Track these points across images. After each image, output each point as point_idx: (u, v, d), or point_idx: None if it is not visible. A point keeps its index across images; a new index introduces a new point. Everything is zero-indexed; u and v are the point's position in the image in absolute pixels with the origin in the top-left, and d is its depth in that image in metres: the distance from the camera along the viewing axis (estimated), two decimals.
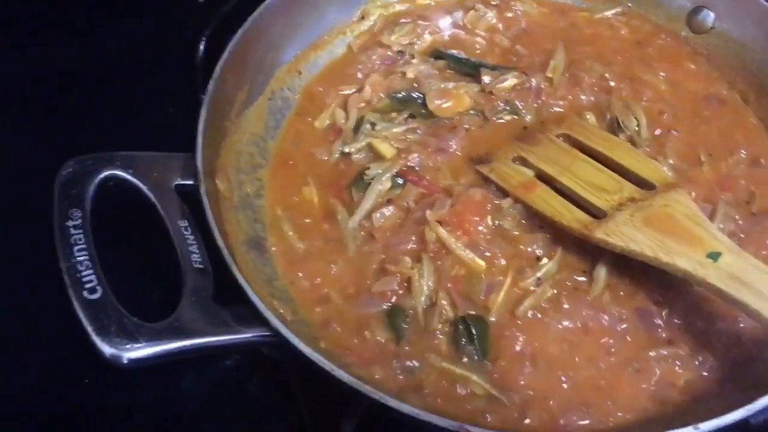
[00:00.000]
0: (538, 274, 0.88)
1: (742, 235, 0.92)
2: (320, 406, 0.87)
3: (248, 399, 0.91)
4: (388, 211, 0.93)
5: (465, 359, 0.83)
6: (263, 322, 0.76)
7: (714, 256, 0.81)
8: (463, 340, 0.83)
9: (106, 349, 0.71)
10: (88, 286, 0.74)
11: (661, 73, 1.10)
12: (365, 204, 0.94)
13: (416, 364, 0.83)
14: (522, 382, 0.82)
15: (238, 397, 0.91)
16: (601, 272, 0.88)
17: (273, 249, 0.93)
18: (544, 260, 0.90)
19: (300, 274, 0.91)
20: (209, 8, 1.25)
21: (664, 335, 0.85)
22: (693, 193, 0.93)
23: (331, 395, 0.83)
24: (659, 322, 0.86)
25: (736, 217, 0.94)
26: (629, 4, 1.18)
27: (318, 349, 0.81)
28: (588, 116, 1.04)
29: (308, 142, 1.04)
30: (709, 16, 1.12)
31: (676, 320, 0.86)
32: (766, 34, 1.06)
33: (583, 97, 1.06)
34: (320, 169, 1.01)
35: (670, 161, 0.98)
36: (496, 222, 0.92)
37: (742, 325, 0.84)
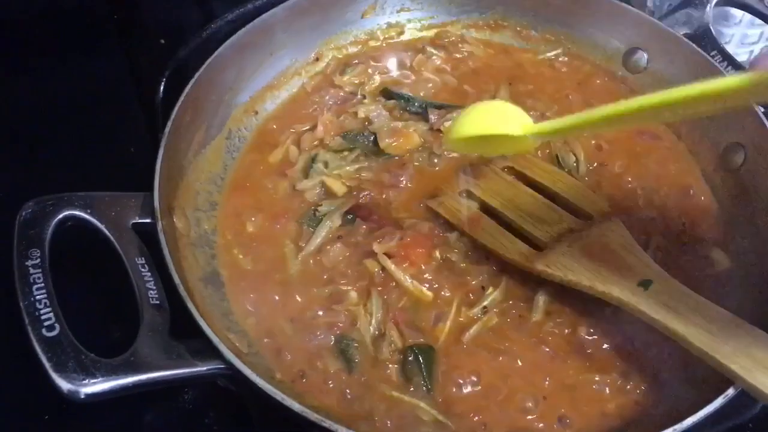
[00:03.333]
0: (484, 303, 0.92)
1: (673, 265, 0.96)
2: None
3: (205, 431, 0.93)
4: (337, 247, 0.96)
5: (413, 387, 0.86)
6: (218, 355, 0.79)
7: (645, 284, 0.85)
8: (411, 368, 0.87)
9: (64, 385, 0.73)
10: (46, 323, 0.76)
11: None
12: (315, 240, 0.97)
13: (367, 393, 0.86)
14: (468, 409, 0.85)
15: (195, 430, 0.93)
16: (540, 300, 0.92)
17: (223, 273, 0.96)
18: (490, 289, 0.94)
19: (248, 304, 0.93)
20: (170, 49, 1.28)
21: (598, 362, 0.89)
22: (627, 225, 0.97)
23: (289, 426, 0.86)
24: (595, 349, 0.90)
25: (668, 247, 0.99)
26: (569, 46, 1.24)
27: (273, 381, 0.85)
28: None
29: (261, 173, 1.07)
30: (643, 57, 1.19)
31: (609, 347, 0.90)
32: (693, 73, 1.12)
33: None
34: (271, 199, 1.04)
35: (606, 194, 1.04)
36: (444, 255, 0.97)
37: (669, 350, 0.89)
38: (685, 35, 1.16)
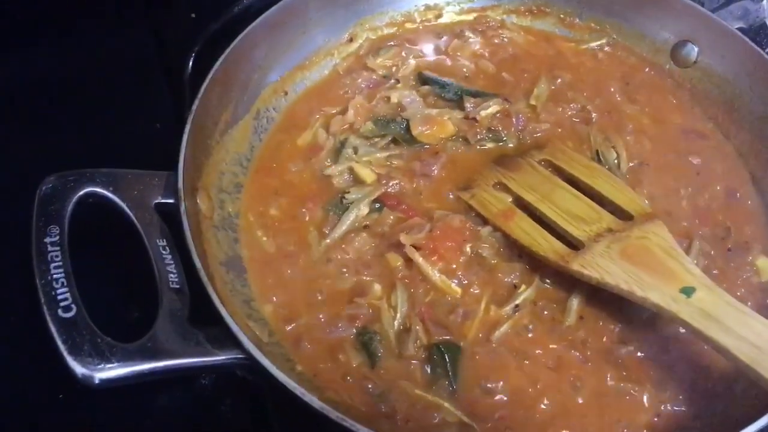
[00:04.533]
0: (516, 302, 0.89)
1: (716, 271, 0.92)
2: (294, 429, 0.87)
3: (221, 419, 0.91)
4: (362, 236, 0.93)
5: (437, 386, 0.83)
6: (237, 344, 0.76)
7: (688, 291, 0.81)
8: (436, 367, 0.84)
9: (78, 369, 0.71)
10: (62, 304, 0.74)
11: (644, 107, 1.11)
12: (340, 227, 0.94)
13: (389, 389, 0.83)
14: (493, 411, 0.82)
15: (211, 418, 0.91)
16: (574, 302, 0.88)
17: (245, 256, 0.94)
18: (522, 287, 0.90)
19: (269, 288, 0.91)
20: (199, 25, 1.25)
21: (632, 370, 0.85)
22: (669, 227, 0.93)
23: (306, 419, 0.83)
24: (628, 356, 0.86)
25: (712, 252, 0.95)
26: (614, 36, 1.19)
27: (292, 373, 0.82)
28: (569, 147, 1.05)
29: (288, 156, 1.05)
30: (693, 51, 1.14)
31: (644, 355, 0.86)
32: (748, 70, 1.07)
33: (563, 127, 1.07)
34: (297, 183, 1.01)
35: (648, 193, 0.99)
36: (475, 250, 0.93)
37: (709, 361, 0.85)
38: (739, 29, 1.11)
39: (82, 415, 0.88)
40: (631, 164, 1.03)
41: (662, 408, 0.83)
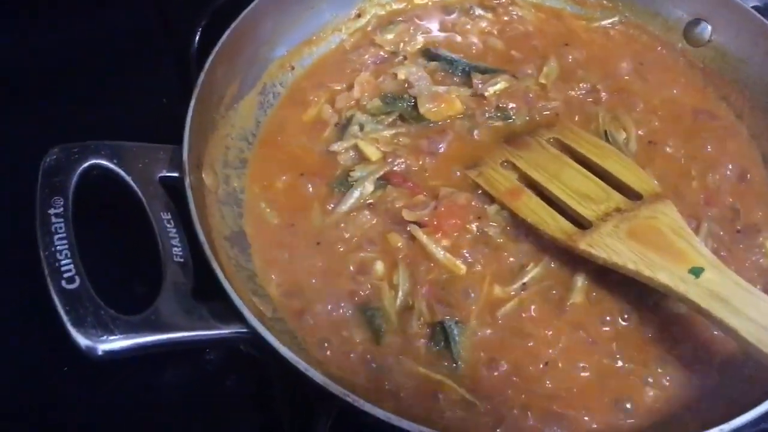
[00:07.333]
0: (524, 280, 0.88)
1: (724, 253, 0.91)
2: (298, 404, 0.87)
3: (226, 394, 0.91)
4: (366, 213, 0.93)
5: (440, 364, 0.83)
6: (240, 318, 0.76)
7: (696, 271, 0.81)
8: (440, 344, 0.83)
9: (81, 340, 0.71)
10: (66, 275, 0.74)
11: (654, 86, 1.09)
12: (344, 205, 0.94)
13: (393, 366, 0.82)
14: (497, 391, 0.81)
15: (216, 392, 0.91)
16: (579, 280, 0.88)
17: (249, 229, 0.93)
18: (531, 265, 0.90)
19: (272, 261, 0.90)
20: None
21: (637, 351, 0.84)
22: (679, 208, 0.92)
23: (309, 393, 0.83)
24: (634, 337, 0.85)
25: (721, 233, 0.94)
26: (626, 14, 1.17)
27: (296, 348, 0.82)
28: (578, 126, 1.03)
29: (294, 131, 1.04)
30: (707, 29, 1.12)
31: (651, 336, 0.85)
32: (763, 50, 1.05)
33: (572, 106, 1.06)
34: (303, 159, 1.00)
35: (658, 174, 0.98)
36: (481, 228, 0.92)
37: (716, 343, 0.84)
38: (754, 8, 1.08)
39: (87, 388, 0.89)
40: (640, 144, 1.02)
41: (667, 389, 0.82)
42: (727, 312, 0.77)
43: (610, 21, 1.17)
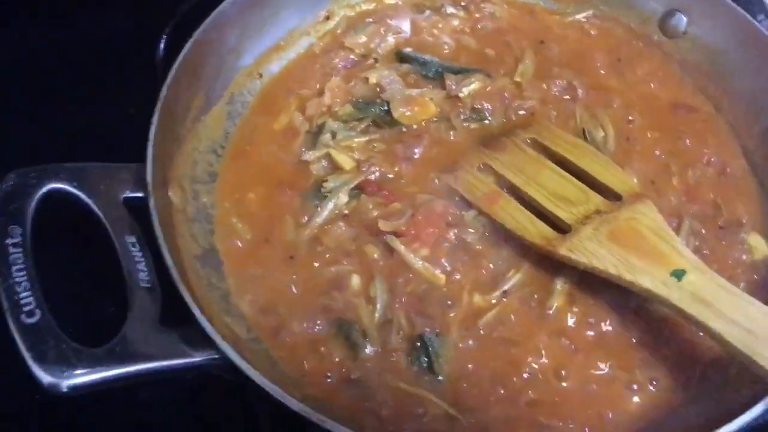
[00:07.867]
0: (505, 287, 0.86)
1: (707, 251, 0.90)
2: (281, 423, 0.85)
3: (208, 414, 0.89)
4: (340, 225, 0.90)
5: (422, 378, 0.81)
6: (213, 344, 0.73)
7: (678, 274, 0.79)
8: (420, 358, 0.81)
9: (44, 377, 0.68)
10: (26, 309, 0.71)
11: (631, 81, 1.07)
12: (318, 218, 0.91)
13: (373, 384, 0.80)
14: (480, 403, 0.80)
15: (196, 412, 0.89)
16: (558, 284, 0.86)
17: (220, 245, 0.90)
18: (512, 272, 0.87)
19: (245, 277, 0.88)
20: (171, 3, 1.20)
21: (622, 358, 0.83)
22: (659, 206, 0.90)
23: (291, 414, 0.81)
24: (619, 343, 0.84)
25: (703, 231, 0.92)
26: (601, 7, 1.15)
27: (272, 369, 0.80)
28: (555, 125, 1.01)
29: (264, 141, 1.01)
30: (682, 20, 1.10)
31: (635, 341, 0.84)
32: (740, 39, 1.04)
33: (549, 104, 1.03)
34: (274, 170, 0.97)
35: (637, 171, 0.96)
36: (460, 235, 0.90)
37: (701, 345, 0.83)
38: None
39: (61, 418, 0.86)
40: (618, 141, 1.00)
41: (652, 394, 0.81)
42: (711, 315, 0.75)
43: (584, 15, 1.15)
